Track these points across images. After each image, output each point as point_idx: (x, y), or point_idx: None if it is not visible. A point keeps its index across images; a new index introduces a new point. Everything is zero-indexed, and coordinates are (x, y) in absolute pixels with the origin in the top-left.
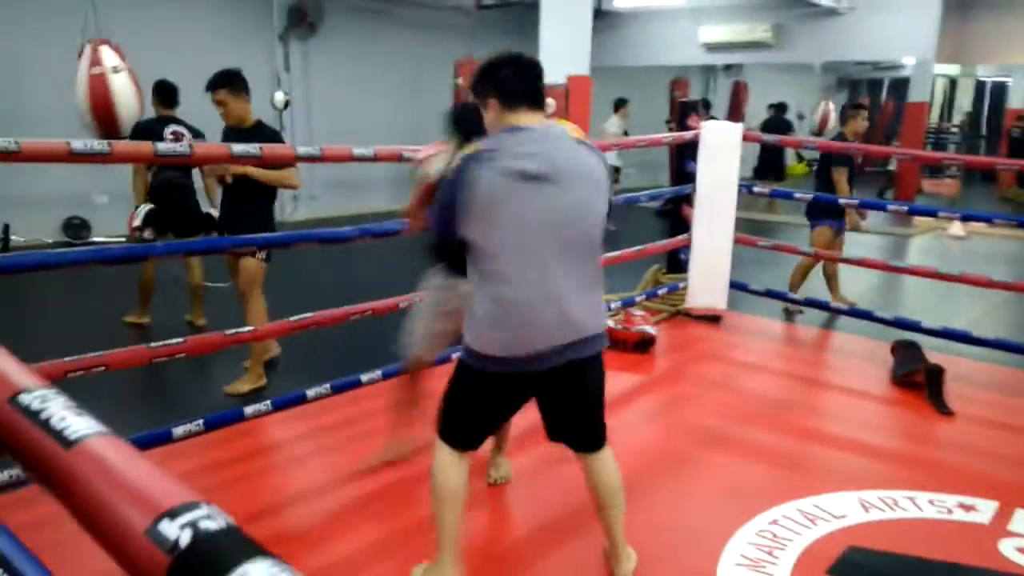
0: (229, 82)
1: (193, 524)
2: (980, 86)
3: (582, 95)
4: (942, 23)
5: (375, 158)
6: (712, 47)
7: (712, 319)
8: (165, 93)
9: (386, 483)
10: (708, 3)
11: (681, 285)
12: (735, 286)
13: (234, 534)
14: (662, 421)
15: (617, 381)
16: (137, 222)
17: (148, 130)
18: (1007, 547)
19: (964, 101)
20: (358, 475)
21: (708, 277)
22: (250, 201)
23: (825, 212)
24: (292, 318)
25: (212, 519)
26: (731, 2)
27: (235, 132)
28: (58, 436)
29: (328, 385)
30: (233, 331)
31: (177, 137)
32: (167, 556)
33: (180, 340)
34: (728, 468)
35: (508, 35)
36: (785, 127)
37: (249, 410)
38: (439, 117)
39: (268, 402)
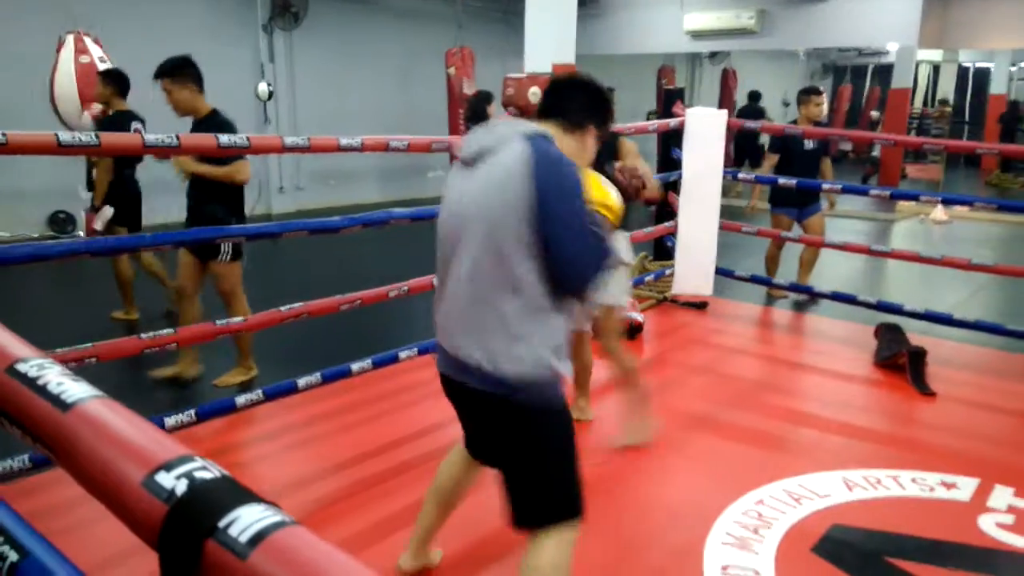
0: (172, 71)
1: (188, 475)
2: (963, 72)
3: None
4: (925, 8)
5: (362, 148)
6: (697, 34)
7: (699, 305)
8: (123, 84)
9: (373, 472)
10: None
11: (668, 272)
12: (721, 272)
13: (228, 482)
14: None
15: (605, 368)
16: (99, 226)
17: (117, 125)
18: (986, 523)
19: (947, 87)
20: (365, 461)
21: (694, 264)
22: (209, 198)
23: (783, 200)
24: (283, 308)
25: (207, 470)
26: None
27: (193, 124)
28: (55, 400)
29: (319, 374)
30: (224, 321)
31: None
32: (164, 504)
33: (170, 331)
34: (715, 450)
35: (494, 24)
36: (758, 114)
37: (241, 400)
38: (433, 107)
39: (260, 391)
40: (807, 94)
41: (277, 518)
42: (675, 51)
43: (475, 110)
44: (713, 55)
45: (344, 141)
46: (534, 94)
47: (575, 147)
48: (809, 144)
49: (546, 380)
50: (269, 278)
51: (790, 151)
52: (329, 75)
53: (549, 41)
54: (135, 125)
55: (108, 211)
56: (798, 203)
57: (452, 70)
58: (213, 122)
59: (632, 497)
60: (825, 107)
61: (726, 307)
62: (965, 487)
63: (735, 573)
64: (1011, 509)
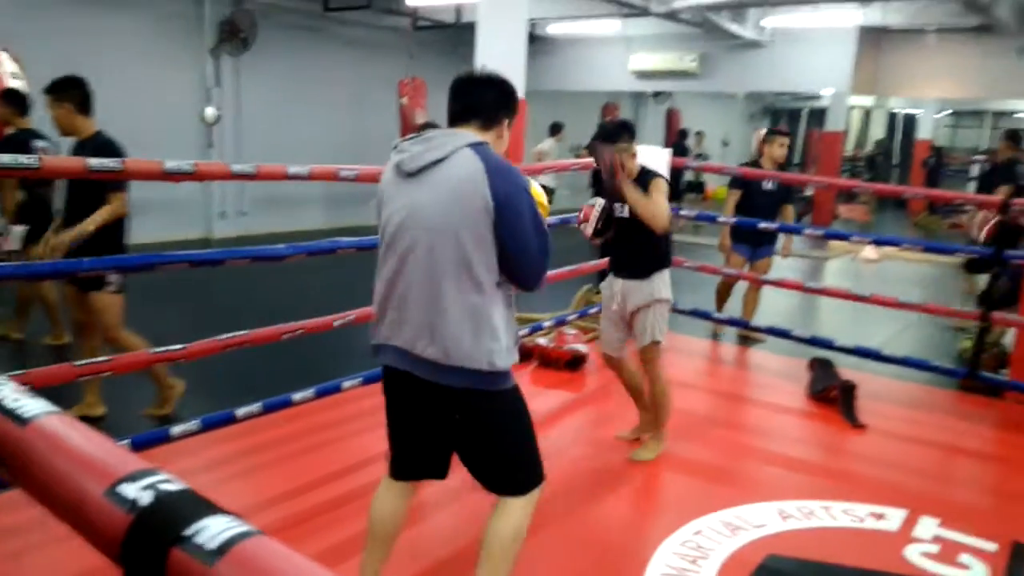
0: (52, 89)
1: (153, 486)
2: (892, 117)
3: (517, 117)
4: (857, 58)
5: (310, 177)
6: (642, 75)
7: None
8: (20, 103)
9: (315, 503)
10: (639, 32)
11: None
12: None
13: (193, 494)
14: (592, 437)
15: (549, 399)
16: (16, 245)
17: (16, 143)
18: (912, 553)
19: (877, 131)
20: (306, 492)
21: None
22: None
23: (769, 239)
24: (223, 336)
25: (171, 482)
26: (660, 32)
27: (75, 146)
28: (12, 415)
29: (259, 404)
30: (163, 348)
31: (45, 151)
32: (128, 515)
33: (106, 358)
34: (654, 482)
35: (445, 56)
36: (682, 152)
37: (176, 430)
38: (384, 136)
39: (197, 421)
40: (772, 135)
41: (244, 528)
42: (621, 89)
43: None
44: (657, 94)
45: (292, 169)
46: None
47: (494, 142)
48: (768, 185)
49: (501, 369)
50: (210, 306)
51: (750, 190)
52: (277, 101)
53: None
54: (38, 144)
55: (18, 230)
56: (751, 242)
57: (405, 100)
58: (93, 144)
59: (574, 528)
60: (784, 150)
61: (669, 340)
62: (893, 518)
63: None
64: (936, 539)
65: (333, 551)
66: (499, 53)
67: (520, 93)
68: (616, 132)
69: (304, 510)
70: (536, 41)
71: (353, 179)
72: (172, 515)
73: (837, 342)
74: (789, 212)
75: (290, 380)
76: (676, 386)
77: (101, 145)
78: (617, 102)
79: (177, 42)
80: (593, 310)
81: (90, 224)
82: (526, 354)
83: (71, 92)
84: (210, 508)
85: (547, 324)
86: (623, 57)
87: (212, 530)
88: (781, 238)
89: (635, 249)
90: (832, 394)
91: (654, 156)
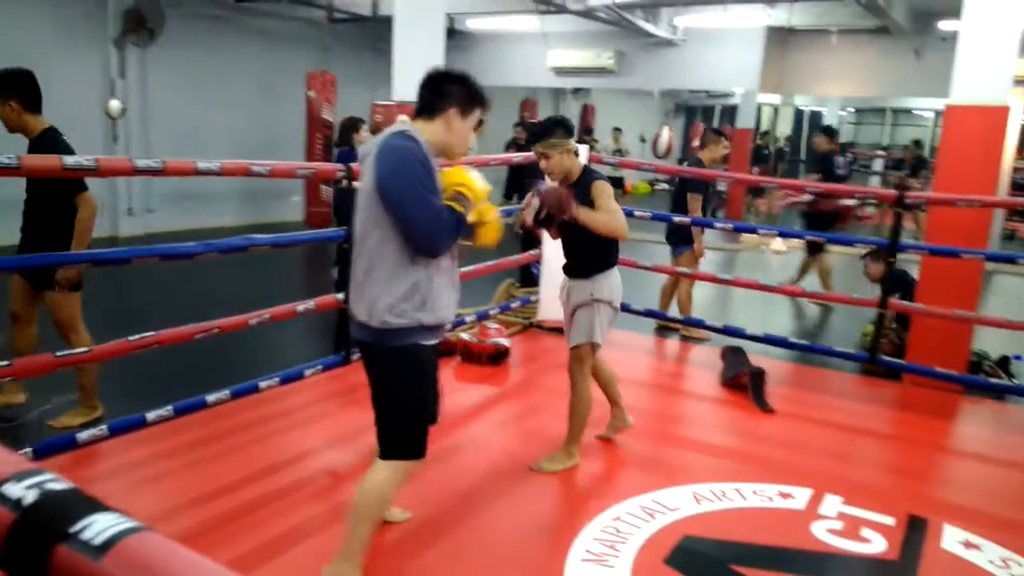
0: None
1: (39, 485)
2: (799, 114)
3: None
4: (765, 58)
5: (221, 172)
6: (560, 71)
7: (563, 331)
8: None
9: (231, 507)
10: (557, 29)
11: (533, 298)
12: None
13: (79, 493)
14: (515, 429)
15: (472, 393)
16: None
17: None
18: (818, 529)
19: (787, 128)
20: (222, 496)
21: (559, 290)
22: (47, 224)
23: (685, 238)
24: (133, 337)
25: (57, 482)
26: (578, 29)
27: (29, 144)
28: None
29: (170, 407)
30: (66, 352)
31: None
32: (11, 513)
33: (6, 363)
34: (574, 471)
35: (362, 49)
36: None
37: (83, 436)
38: (293, 130)
39: (104, 427)
40: (716, 135)
41: (131, 524)
42: (540, 85)
43: (342, 135)
44: (576, 91)
45: (202, 165)
46: (403, 122)
47: (441, 131)
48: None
49: (406, 329)
50: (117, 306)
51: (686, 189)
52: (186, 94)
53: (417, 70)
54: None
55: None
56: (669, 241)
57: (312, 93)
58: (43, 143)
59: (497, 518)
60: (727, 151)
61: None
62: (800, 497)
63: None
64: (840, 515)
65: (250, 556)
66: (417, 47)
67: None
68: (549, 129)
69: (218, 515)
70: (455, 35)
71: (266, 175)
72: (57, 513)
73: (748, 330)
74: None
75: (206, 382)
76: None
77: (52, 145)
78: (536, 98)
79: (78, 32)
80: (515, 304)
81: (84, 238)
82: (448, 349)
83: (13, 87)
84: (96, 506)
85: (469, 319)
86: (541, 53)
87: (98, 526)
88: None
89: (579, 250)
90: (743, 380)
91: None
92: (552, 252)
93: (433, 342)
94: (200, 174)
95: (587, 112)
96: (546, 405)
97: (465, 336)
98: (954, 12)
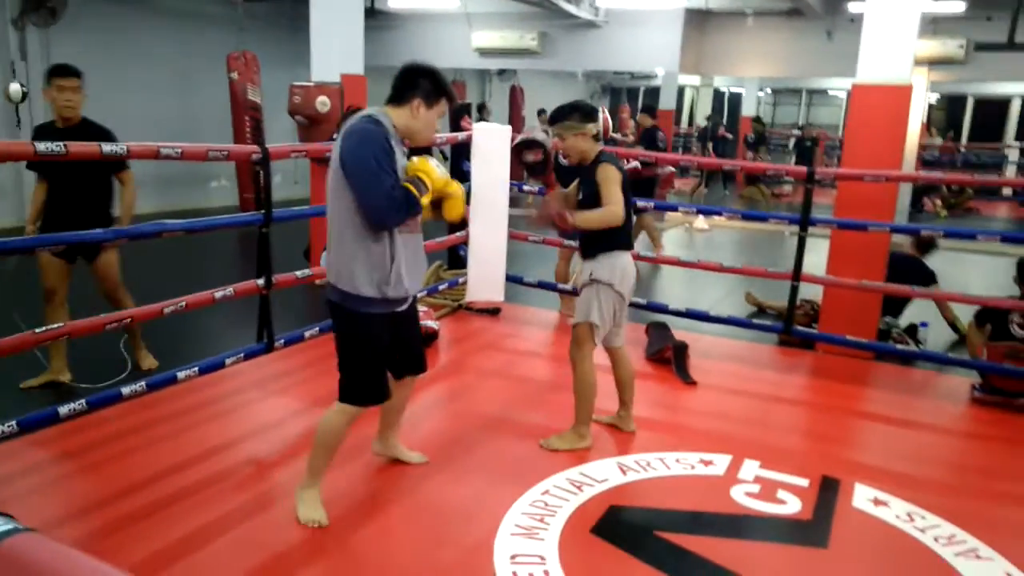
0: (76, 73)
1: None
2: (720, 95)
3: (357, 94)
4: (684, 39)
5: (128, 155)
6: (485, 52)
7: (492, 312)
8: None
9: (151, 500)
10: (480, 9)
11: (461, 280)
12: (511, 279)
13: None
14: (445, 411)
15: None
16: None
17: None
18: (737, 493)
19: (706, 109)
20: (142, 490)
21: (486, 272)
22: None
23: None
24: (38, 330)
25: None
26: (501, 10)
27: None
28: None
29: (83, 401)
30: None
31: None
32: None
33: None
34: (506, 448)
35: (279, 30)
36: None
37: (64, 410)
38: (216, 113)
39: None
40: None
41: (10, 526)
42: (464, 67)
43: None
44: (502, 72)
45: (107, 148)
46: (323, 103)
47: (407, 117)
48: (566, 161)
49: (359, 294)
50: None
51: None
52: (96, 77)
53: (336, 51)
54: None
55: None
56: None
57: (235, 75)
58: (91, 129)
59: (427, 498)
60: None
61: (517, 312)
62: (720, 463)
63: (523, 561)
64: (757, 479)
65: (167, 551)
66: (335, 27)
67: (359, 69)
68: (566, 112)
69: (133, 511)
70: (375, 15)
71: (177, 157)
72: None
73: (671, 306)
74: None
75: (120, 374)
76: (526, 355)
77: (99, 129)
78: (463, 79)
79: None
80: (443, 286)
81: (130, 212)
82: None
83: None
84: None
85: None
86: (465, 34)
87: None
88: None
89: (584, 232)
90: (667, 355)
91: (496, 134)
92: (478, 234)
93: (391, 310)
94: (106, 158)
95: (516, 94)
96: (475, 386)
97: None
98: None
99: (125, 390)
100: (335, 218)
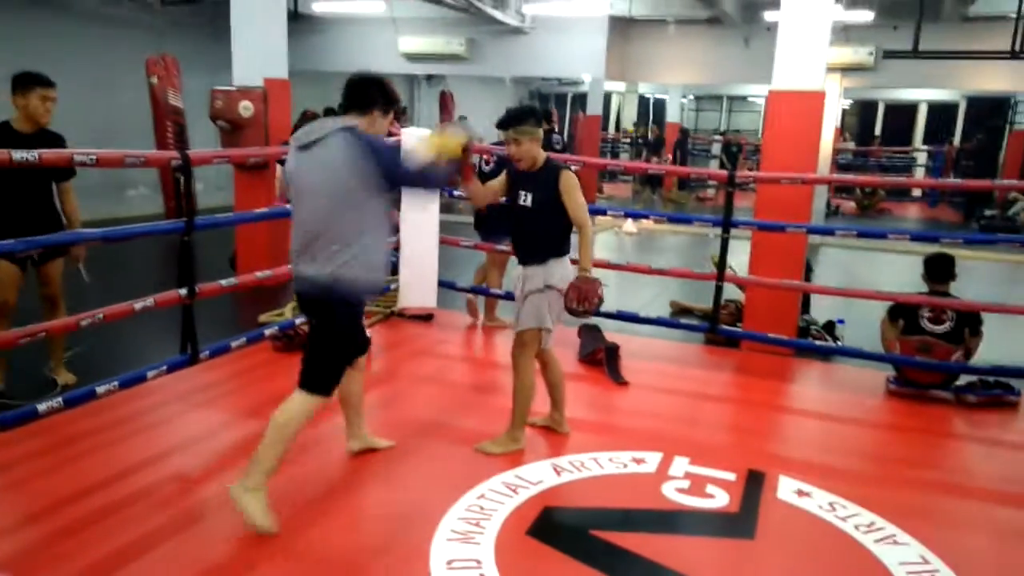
0: (49, 83)
1: None
2: (645, 102)
3: (281, 98)
4: (609, 45)
5: (40, 162)
6: (412, 57)
7: (424, 318)
8: None
9: (73, 519)
10: (407, 14)
11: (392, 287)
12: (444, 285)
13: None
14: (379, 418)
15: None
16: None
17: None
18: (668, 489)
19: (632, 115)
20: (62, 509)
21: (418, 278)
22: None
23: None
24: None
25: None
26: (428, 15)
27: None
28: None
29: (60, 399)
30: None
31: None
32: None
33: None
34: (441, 454)
35: (199, 33)
36: None
37: None
38: (137, 119)
39: None
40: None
41: None
42: (391, 72)
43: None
44: (430, 77)
45: (18, 155)
46: (246, 108)
47: (367, 125)
48: (488, 168)
49: (363, 289)
50: None
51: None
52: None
53: (259, 54)
54: None
55: None
56: (484, 229)
57: (155, 79)
58: (48, 135)
59: (361, 506)
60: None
61: (450, 318)
62: (651, 461)
63: (459, 566)
64: (687, 475)
65: (89, 572)
66: (257, 31)
67: (283, 73)
68: (522, 116)
69: (52, 532)
70: (299, 19)
71: (92, 164)
72: None
73: (601, 308)
74: None
75: (35, 391)
76: (459, 361)
77: (55, 136)
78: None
79: None
80: None
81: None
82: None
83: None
84: None
85: None
86: (392, 39)
87: None
88: None
89: (532, 236)
90: (599, 356)
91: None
92: (410, 239)
93: (366, 300)
94: (16, 165)
95: (446, 99)
96: (407, 393)
97: None
98: (778, 3)
99: (41, 407)
100: (336, 220)
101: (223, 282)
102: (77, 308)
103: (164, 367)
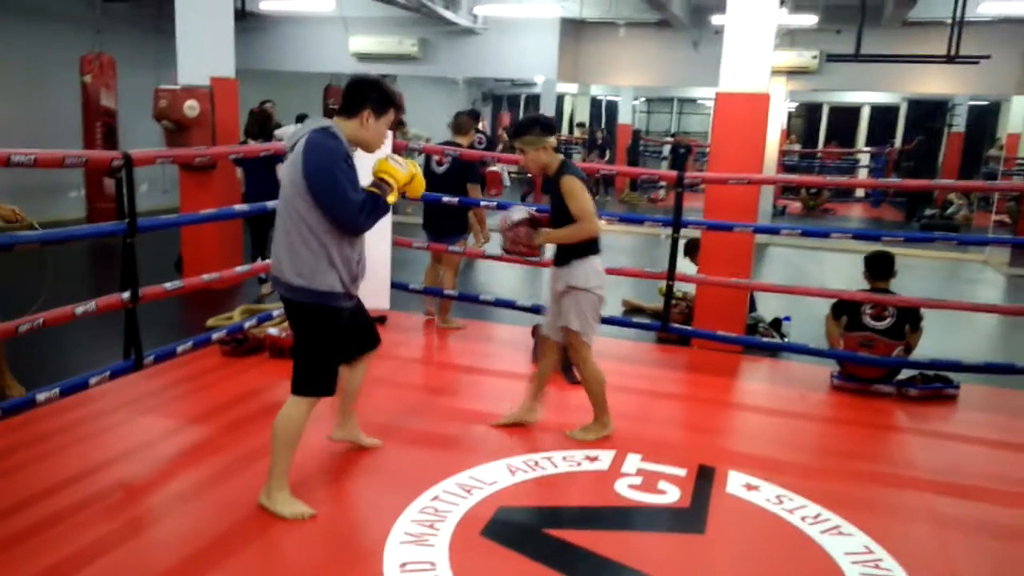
0: None
1: None
2: (598, 103)
3: (229, 97)
4: (561, 47)
5: None
6: (363, 57)
7: (377, 320)
8: None
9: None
10: (358, 14)
11: None
12: (396, 286)
13: None
14: (331, 422)
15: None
16: None
17: None
18: (621, 486)
19: (584, 116)
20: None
21: (370, 279)
22: None
23: (460, 228)
24: None
25: None
26: (379, 15)
27: None
28: None
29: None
30: None
31: None
32: None
33: None
34: (395, 456)
35: (142, 31)
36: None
37: None
38: (70, 118)
39: None
40: (468, 118)
41: None
42: (341, 71)
43: (260, 127)
44: (383, 77)
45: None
46: (191, 108)
47: (355, 127)
48: (441, 168)
49: (330, 291)
50: None
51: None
52: None
53: (205, 53)
54: None
55: None
56: (435, 230)
57: (88, 78)
58: None
59: (317, 509)
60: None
61: (403, 320)
62: (605, 458)
63: (413, 568)
64: (639, 472)
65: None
66: (203, 29)
67: (230, 72)
68: (527, 126)
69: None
70: (247, 17)
71: (30, 165)
72: None
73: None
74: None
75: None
76: (412, 362)
77: None
78: (341, 85)
79: None
80: None
81: None
82: (256, 346)
83: None
84: None
85: (276, 313)
86: (342, 38)
87: None
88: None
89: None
90: None
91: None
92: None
93: (343, 304)
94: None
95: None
96: (362, 395)
97: (273, 331)
98: (725, 7)
99: (40, 397)
100: (298, 222)
101: (167, 285)
102: (12, 314)
103: (107, 373)
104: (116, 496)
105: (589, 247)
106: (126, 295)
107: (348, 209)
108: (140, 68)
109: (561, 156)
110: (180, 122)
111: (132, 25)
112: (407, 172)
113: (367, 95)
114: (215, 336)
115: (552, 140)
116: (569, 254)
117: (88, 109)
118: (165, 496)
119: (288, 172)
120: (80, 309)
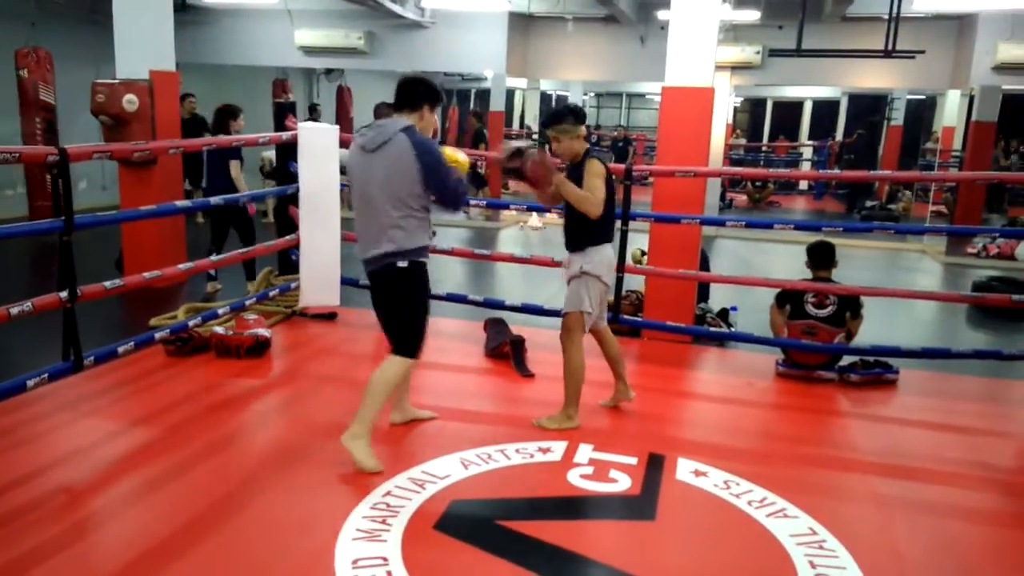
0: None
1: None
2: (548, 98)
3: (169, 91)
4: (509, 41)
5: None
6: (309, 51)
7: (328, 316)
8: None
9: None
10: (303, 6)
11: (293, 285)
12: (346, 282)
13: None
14: (281, 419)
15: (231, 388)
16: None
17: None
18: (573, 476)
19: (534, 111)
20: None
21: (319, 275)
22: None
23: None
24: None
25: None
26: (325, 7)
27: None
28: None
29: None
30: None
31: None
32: None
33: None
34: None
35: (77, 24)
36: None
37: None
38: (5, 113)
39: None
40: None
41: None
42: (288, 65)
43: (218, 124)
44: (330, 72)
45: None
46: (130, 102)
47: (417, 120)
48: None
49: (424, 245)
50: None
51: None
52: None
53: (144, 47)
54: None
55: None
56: None
57: (24, 72)
58: None
59: (264, 510)
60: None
61: (354, 316)
62: (557, 449)
63: (365, 565)
64: (591, 462)
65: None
66: (141, 21)
67: (171, 65)
68: (562, 115)
69: None
70: (187, 10)
71: None
72: None
73: (507, 302)
74: None
75: None
76: (364, 359)
77: None
78: (288, 79)
79: None
80: (274, 292)
81: None
82: (201, 345)
83: None
84: None
85: (223, 311)
86: (288, 31)
87: None
88: None
89: (571, 225)
90: (505, 349)
91: (323, 134)
92: (311, 237)
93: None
94: None
95: (343, 94)
96: (312, 393)
97: (219, 330)
98: (670, 3)
99: None
100: (409, 201)
101: (107, 284)
102: None
103: (45, 375)
104: (58, 500)
105: (603, 235)
106: (64, 294)
107: (461, 191)
108: (78, 62)
109: (588, 145)
110: (119, 117)
111: (68, 18)
112: (465, 160)
113: (423, 92)
114: (158, 335)
115: (583, 129)
116: (585, 241)
117: (25, 104)
118: (109, 499)
119: (387, 164)
120: (16, 310)
